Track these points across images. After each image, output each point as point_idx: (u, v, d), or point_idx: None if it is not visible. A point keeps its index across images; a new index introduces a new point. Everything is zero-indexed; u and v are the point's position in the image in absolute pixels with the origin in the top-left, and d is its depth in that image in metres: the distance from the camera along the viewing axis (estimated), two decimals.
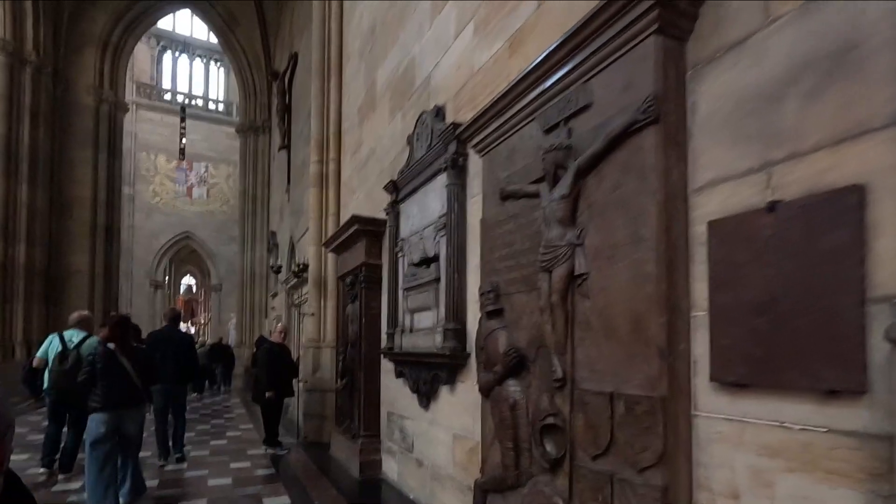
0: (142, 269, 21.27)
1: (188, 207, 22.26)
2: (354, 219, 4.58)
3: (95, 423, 3.44)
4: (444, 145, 3.27)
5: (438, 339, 3.34)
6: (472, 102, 3.19)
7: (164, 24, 21.88)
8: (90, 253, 11.63)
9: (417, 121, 3.85)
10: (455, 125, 3.09)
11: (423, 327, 3.70)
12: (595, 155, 1.91)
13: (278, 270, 7.39)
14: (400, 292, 4.11)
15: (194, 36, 23.81)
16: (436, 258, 3.51)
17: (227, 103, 23.70)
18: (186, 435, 5.87)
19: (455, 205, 3.17)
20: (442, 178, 3.38)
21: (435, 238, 3.49)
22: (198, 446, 6.13)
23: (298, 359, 6.41)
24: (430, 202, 3.62)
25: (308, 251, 6.55)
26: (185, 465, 5.15)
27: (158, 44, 22.79)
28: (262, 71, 13.43)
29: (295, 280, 7.26)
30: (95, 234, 11.82)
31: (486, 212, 2.71)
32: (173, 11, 13.72)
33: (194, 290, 28.34)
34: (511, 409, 2.35)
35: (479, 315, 3.03)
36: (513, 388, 2.37)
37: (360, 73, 5.62)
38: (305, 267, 6.47)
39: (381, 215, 4.60)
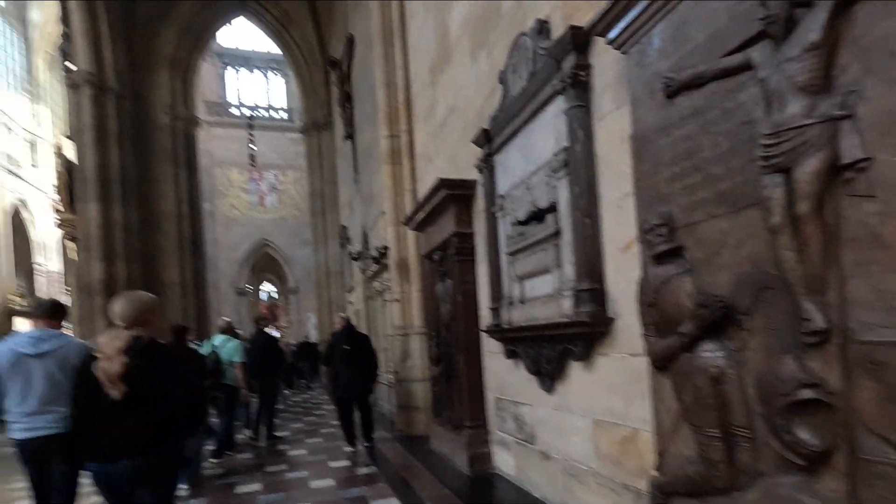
0: (226, 279, 22.38)
1: (263, 216, 23.12)
2: (442, 183, 4.02)
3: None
4: (557, 63, 2.61)
5: (566, 304, 2.69)
6: (590, 1, 2.50)
7: (226, 42, 22.95)
8: (179, 266, 12.08)
9: (511, 49, 3.21)
10: (574, 28, 2.42)
11: (540, 294, 3.06)
12: None
13: (357, 257, 7.05)
14: (503, 259, 3.51)
15: (254, 49, 24.62)
16: (552, 208, 2.86)
17: (289, 110, 24.33)
18: (283, 434, 6.55)
19: (579, 132, 2.51)
20: (554, 107, 2.73)
21: (549, 183, 2.84)
22: (295, 445, 5.94)
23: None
24: (536, 142, 2.97)
25: (385, 234, 6.13)
26: (285, 462, 4.92)
27: (221, 60, 23.79)
28: (319, 65, 13.35)
29: (376, 267, 6.88)
30: (183, 248, 12.28)
31: (636, 124, 2.03)
32: (229, 20, 13.94)
33: (274, 295, 29.54)
34: (713, 382, 1.67)
35: (622, 267, 2.37)
36: (711, 353, 1.69)
37: (426, 26, 5.05)
38: (385, 250, 6.05)
39: (470, 177, 4.03)
